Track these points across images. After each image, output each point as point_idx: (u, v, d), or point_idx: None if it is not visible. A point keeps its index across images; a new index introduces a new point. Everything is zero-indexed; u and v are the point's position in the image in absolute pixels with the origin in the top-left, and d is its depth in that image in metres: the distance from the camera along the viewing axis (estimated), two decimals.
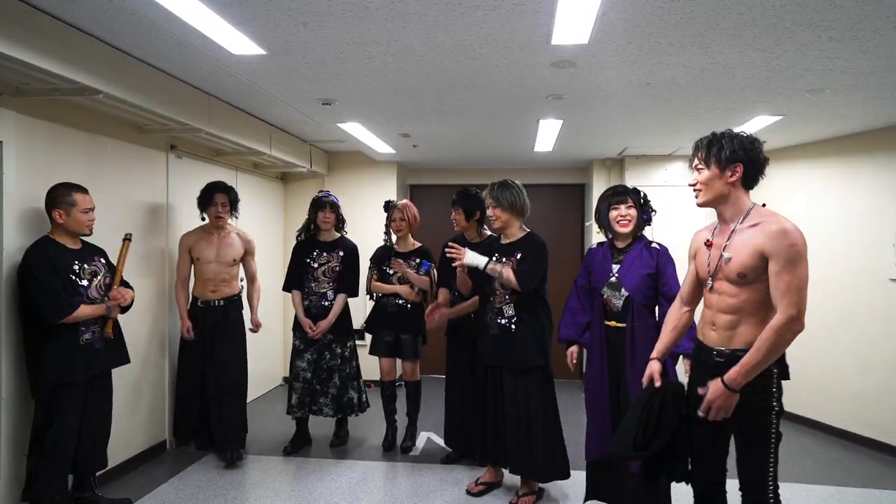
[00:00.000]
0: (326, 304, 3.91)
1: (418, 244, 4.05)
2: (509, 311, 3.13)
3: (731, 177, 2.00)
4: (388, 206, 4.04)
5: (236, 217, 3.99)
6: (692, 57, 2.77)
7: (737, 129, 2.06)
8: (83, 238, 2.93)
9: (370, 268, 4.06)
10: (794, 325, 1.87)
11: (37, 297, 2.68)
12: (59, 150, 3.11)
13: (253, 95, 3.72)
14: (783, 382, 2.00)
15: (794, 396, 5.02)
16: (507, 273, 3.04)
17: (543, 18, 2.33)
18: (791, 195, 4.84)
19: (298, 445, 4.04)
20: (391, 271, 3.96)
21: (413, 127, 4.39)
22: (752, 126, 4.10)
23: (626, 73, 3.04)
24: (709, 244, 2.11)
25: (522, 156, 5.61)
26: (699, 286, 2.20)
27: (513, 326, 3.10)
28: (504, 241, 3.23)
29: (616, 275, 2.88)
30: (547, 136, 4.61)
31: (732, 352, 1.99)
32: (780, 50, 2.66)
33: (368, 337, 4.17)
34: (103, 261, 2.99)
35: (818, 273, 4.64)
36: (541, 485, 3.33)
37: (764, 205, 2.05)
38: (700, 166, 2.05)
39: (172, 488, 3.40)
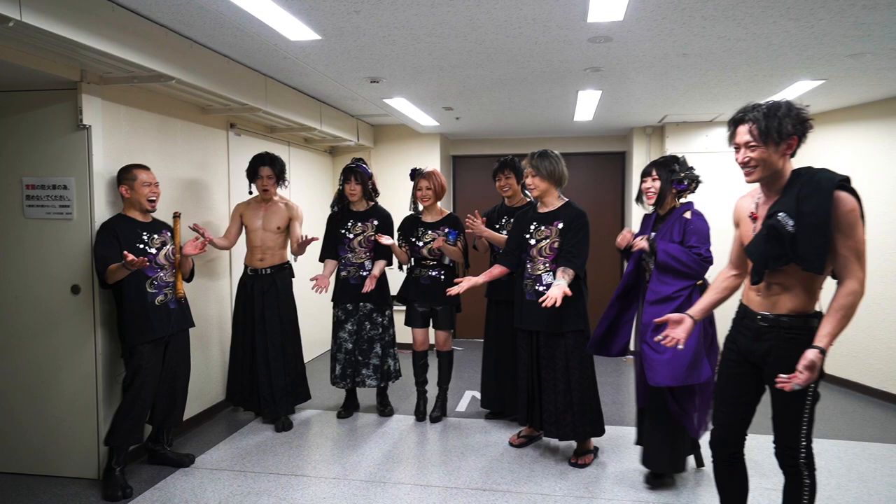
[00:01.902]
0: (364, 273, 3.98)
1: (446, 212, 4.02)
2: (548, 278, 3.27)
3: (786, 150, 1.97)
4: (415, 174, 3.97)
5: (285, 186, 4.12)
6: (726, 29, 2.85)
7: (777, 96, 2.04)
8: (153, 215, 3.21)
9: (399, 239, 4.04)
10: (863, 287, 1.91)
11: (94, 258, 3.03)
12: (137, 131, 3.44)
13: (306, 75, 3.96)
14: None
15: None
16: (569, 277, 3.14)
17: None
18: (837, 159, 4.82)
19: (350, 410, 4.22)
20: (421, 243, 3.93)
21: (456, 101, 4.56)
22: (794, 91, 4.11)
23: (662, 46, 3.14)
24: (753, 216, 2.09)
25: (563, 125, 5.71)
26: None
27: None
28: (542, 209, 3.35)
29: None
30: (586, 106, 4.72)
31: (777, 317, 2.04)
32: (815, 19, 2.72)
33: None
34: (169, 234, 3.27)
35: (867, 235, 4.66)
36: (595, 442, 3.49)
37: None
38: (754, 143, 1.97)
39: (231, 445, 3.68)
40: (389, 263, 4.10)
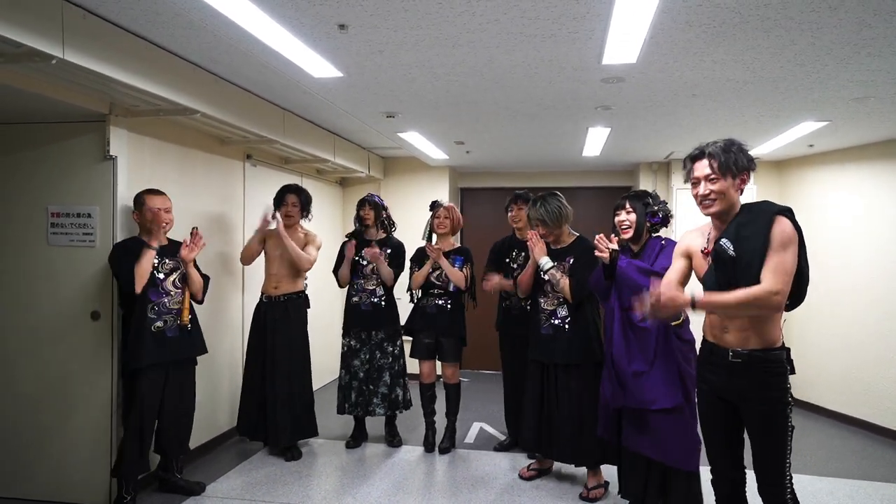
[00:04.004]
0: (375, 300, 4.08)
1: (458, 245, 4.15)
2: (562, 311, 3.34)
3: (741, 184, 2.12)
4: (435, 205, 4.13)
5: (309, 218, 4.21)
6: (735, 72, 2.95)
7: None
8: (170, 236, 3.23)
9: (411, 268, 4.15)
10: (774, 297, 1.95)
11: (117, 276, 3.04)
12: (160, 162, 3.53)
13: (323, 109, 4.07)
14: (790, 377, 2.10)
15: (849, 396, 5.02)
16: (564, 284, 3.25)
17: (595, 43, 2.57)
18: (843, 197, 4.90)
19: (359, 440, 4.23)
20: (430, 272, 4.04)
21: (468, 135, 4.66)
22: (799, 131, 4.21)
23: (673, 87, 3.24)
24: (706, 252, 2.17)
25: (571, 160, 5.82)
26: (683, 283, 2.27)
27: (566, 326, 3.30)
28: (555, 246, 3.44)
29: None
30: (595, 142, 4.82)
31: (750, 352, 2.08)
32: (821, 65, 2.82)
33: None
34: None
35: (868, 270, 4.71)
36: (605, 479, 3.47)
37: None
38: (714, 176, 2.10)
39: (241, 473, 3.66)
40: (388, 282, 4.09)
